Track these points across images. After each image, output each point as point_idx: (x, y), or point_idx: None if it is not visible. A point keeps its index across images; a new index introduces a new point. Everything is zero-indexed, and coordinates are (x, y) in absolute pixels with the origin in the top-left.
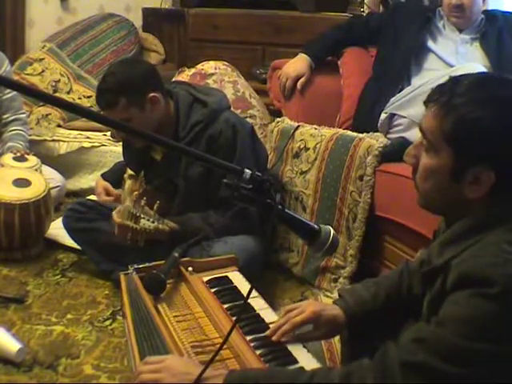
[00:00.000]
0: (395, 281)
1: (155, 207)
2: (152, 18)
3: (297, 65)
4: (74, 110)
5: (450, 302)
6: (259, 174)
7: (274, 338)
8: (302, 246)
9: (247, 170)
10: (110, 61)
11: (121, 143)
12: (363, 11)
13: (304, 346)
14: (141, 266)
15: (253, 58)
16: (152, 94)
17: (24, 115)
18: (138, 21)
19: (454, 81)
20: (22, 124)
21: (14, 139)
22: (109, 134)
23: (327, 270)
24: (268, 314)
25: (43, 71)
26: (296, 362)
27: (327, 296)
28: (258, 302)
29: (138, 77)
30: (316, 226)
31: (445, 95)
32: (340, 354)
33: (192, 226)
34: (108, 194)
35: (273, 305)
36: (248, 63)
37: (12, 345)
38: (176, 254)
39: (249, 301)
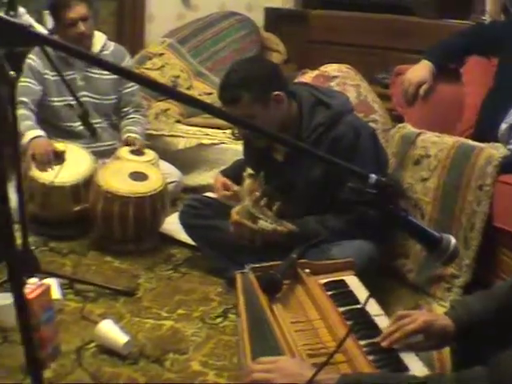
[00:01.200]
0: (506, 292)
1: (274, 208)
2: (273, 17)
3: (419, 71)
4: (198, 105)
5: None
6: (384, 179)
7: (383, 344)
8: (419, 252)
9: (373, 175)
10: (231, 59)
11: (241, 142)
12: (485, 19)
13: (416, 355)
14: (257, 265)
15: (374, 62)
16: (276, 93)
17: (143, 109)
18: (258, 20)
19: None
20: (140, 114)
21: (131, 125)
22: (229, 131)
23: (442, 279)
24: (383, 321)
25: (163, 66)
26: (407, 369)
27: (441, 305)
28: (373, 308)
29: (262, 74)
30: (438, 235)
31: None
32: (451, 365)
33: (309, 229)
34: (226, 189)
35: (386, 311)
36: (369, 67)
37: (119, 337)
38: (294, 255)
39: None
